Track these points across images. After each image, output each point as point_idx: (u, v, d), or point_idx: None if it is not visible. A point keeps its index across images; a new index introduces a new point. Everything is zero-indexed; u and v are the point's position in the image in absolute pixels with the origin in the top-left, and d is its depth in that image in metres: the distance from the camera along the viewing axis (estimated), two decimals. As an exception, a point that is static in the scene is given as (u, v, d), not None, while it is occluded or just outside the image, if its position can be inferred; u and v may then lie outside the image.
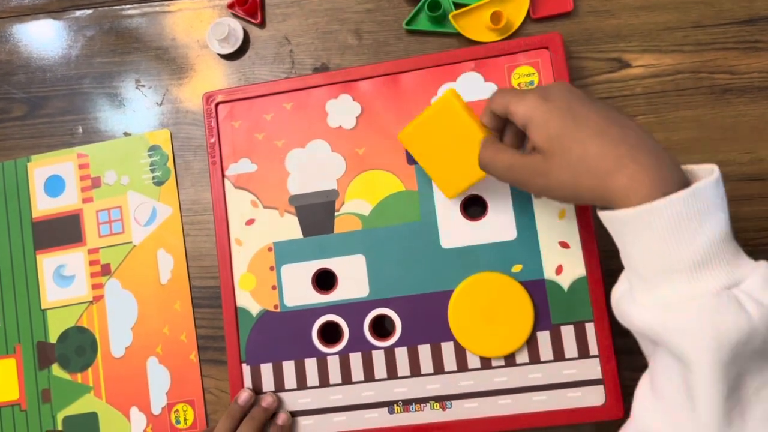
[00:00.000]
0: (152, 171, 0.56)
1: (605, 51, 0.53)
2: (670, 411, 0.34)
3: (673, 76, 0.52)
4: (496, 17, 0.52)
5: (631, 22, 0.53)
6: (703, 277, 0.33)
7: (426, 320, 0.49)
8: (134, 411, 0.53)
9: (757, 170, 0.50)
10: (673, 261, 0.33)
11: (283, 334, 0.50)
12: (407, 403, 0.49)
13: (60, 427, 0.54)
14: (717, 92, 0.51)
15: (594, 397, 0.47)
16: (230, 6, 0.57)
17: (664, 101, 0.51)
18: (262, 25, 0.57)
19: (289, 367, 0.50)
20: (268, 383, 0.50)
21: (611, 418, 0.46)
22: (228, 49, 0.56)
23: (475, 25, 0.53)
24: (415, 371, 0.49)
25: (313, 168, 0.52)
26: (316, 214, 0.51)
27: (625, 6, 0.53)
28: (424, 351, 0.49)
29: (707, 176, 0.33)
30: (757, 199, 0.50)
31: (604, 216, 0.36)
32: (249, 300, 0.51)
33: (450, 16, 0.53)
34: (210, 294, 0.54)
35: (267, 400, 0.49)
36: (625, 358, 0.47)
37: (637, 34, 0.52)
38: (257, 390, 0.50)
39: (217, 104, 0.53)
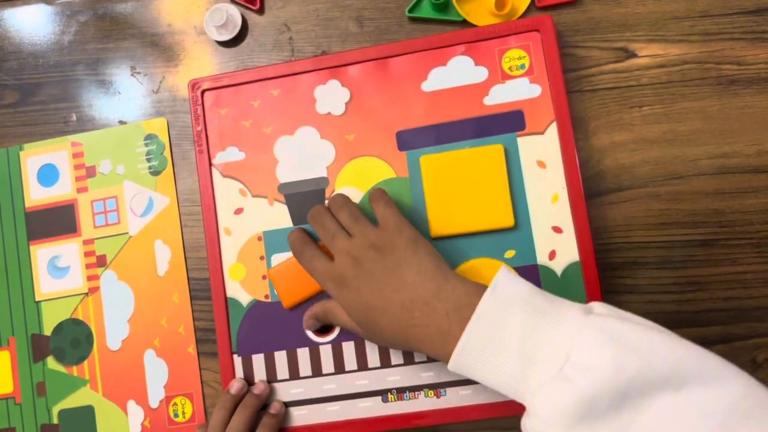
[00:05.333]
0: (148, 160, 0.55)
1: (611, 40, 0.52)
2: None
3: (679, 67, 0.51)
4: (500, 3, 0.51)
5: (637, 11, 0.52)
6: (532, 373, 0.35)
7: None
8: (131, 404, 0.52)
9: (763, 162, 0.49)
10: (505, 370, 0.36)
11: (275, 324, 0.50)
12: (401, 392, 0.48)
13: (55, 421, 0.53)
14: (724, 83, 0.50)
15: None
16: (228, -9, 0.55)
17: (670, 92, 0.51)
18: (260, 11, 0.55)
19: (281, 358, 0.49)
20: (260, 374, 0.49)
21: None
22: (226, 36, 0.55)
23: (479, 11, 0.52)
24: (409, 359, 0.48)
25: (302, 155, 0.51)
26: (306, 202, 0.50)
27: (632, -6, 0.52)
28: None
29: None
30: (764, 191, 0.49)
31: None
32: (239, 290, 0.50)
33: (453, 2, 0.52)
34: (208, 286, 0.53)
35: (259, 387, 0.48)
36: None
37: (644, 24, 0.52)
38: (249, 381, 0.49)
39: (203, 91, 0.52)
